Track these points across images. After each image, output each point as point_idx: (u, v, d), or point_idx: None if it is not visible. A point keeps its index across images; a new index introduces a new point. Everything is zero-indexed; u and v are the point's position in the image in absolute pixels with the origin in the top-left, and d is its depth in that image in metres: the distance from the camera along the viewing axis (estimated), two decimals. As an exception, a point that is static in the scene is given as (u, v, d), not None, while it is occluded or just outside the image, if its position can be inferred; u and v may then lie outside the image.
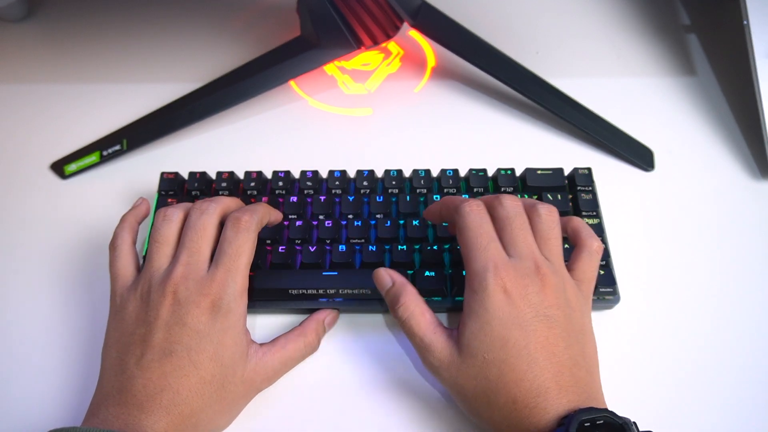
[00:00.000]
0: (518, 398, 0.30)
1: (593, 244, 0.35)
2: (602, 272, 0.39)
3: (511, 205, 0.34)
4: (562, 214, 0.41)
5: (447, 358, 0.32)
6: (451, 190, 0.43)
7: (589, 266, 0.35)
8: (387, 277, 0.36)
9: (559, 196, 0.42)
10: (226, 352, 0.33)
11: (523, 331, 0.30)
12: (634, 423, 0.28)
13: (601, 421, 0.28)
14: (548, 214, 0.34)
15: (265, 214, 0.37)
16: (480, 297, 0.31)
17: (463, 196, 0.43)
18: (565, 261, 0.35)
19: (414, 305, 0.34)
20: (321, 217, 0.42)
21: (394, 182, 0.43)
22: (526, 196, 0.42)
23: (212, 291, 0.33)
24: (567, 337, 0.31)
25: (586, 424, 0.27)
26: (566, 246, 0.39)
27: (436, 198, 0.43)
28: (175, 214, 0.36)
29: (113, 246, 0.36)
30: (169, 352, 0.31)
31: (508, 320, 0.31)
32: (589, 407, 0.28)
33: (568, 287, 0.33)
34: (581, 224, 0.36)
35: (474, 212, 0.34)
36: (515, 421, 0.30)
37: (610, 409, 0.28)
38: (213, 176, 0.45)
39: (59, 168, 0.48)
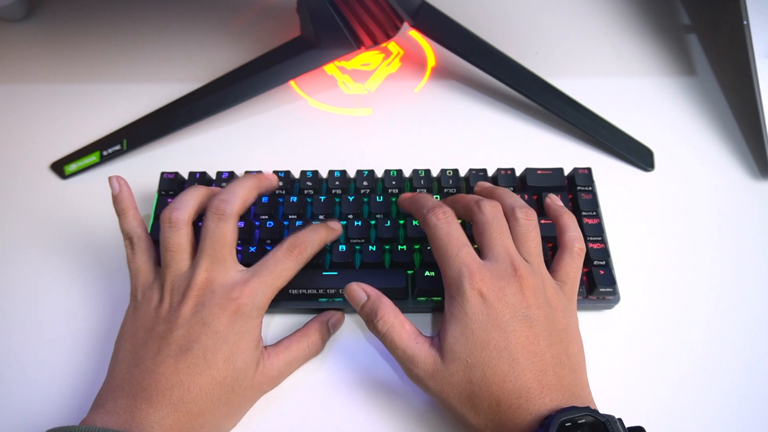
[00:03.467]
0: (501, 399, 0.30)
1: (575, 245, 0.35)
2: (602, 272, 0.39)
3: (491, 210, 0.34)
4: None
5: (431, 366, 0.31)
6: (451, 190, 0.43)
7: (571, 267, 0.35)
8: (360, 291, 0.35)
9: (559, 196, 0.42)
10: (240, 356, 0.33)
11: (502, 332, 0.30)
12: (620, 420, 0.28)
13: (583, 420, 0.28)
14: (526, 217, 0.35)
15: (318, 245, 0.37)
16: (458, 302, 0.32)
17: (434, 197, 0.41)
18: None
19: (393, 317, 0.33)
20: (321, 217, 0.42)
21: (394, 182, 0.43)
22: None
23: (242, 296, 0.33)
24: (548, 337, 0.31)
25: (567, 424, 0.27)
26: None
27: (436, 198, 0.43)
28: (181, 219, 0.35)
29: (131, 242, 0.37)
30: (186, 350, 0.32)
31: (487, 322, 0.31)
32: (570, 407, 0.28)
33: (548, 288, 0.33)
34: (569, 223, 0.36)
35: (441, 221, 0.34)
36: (499, 423, 0.30)
37: (597, 406, 0.28)
38: (213, 176, 0.45)
39: (59, 168, 0.48)
